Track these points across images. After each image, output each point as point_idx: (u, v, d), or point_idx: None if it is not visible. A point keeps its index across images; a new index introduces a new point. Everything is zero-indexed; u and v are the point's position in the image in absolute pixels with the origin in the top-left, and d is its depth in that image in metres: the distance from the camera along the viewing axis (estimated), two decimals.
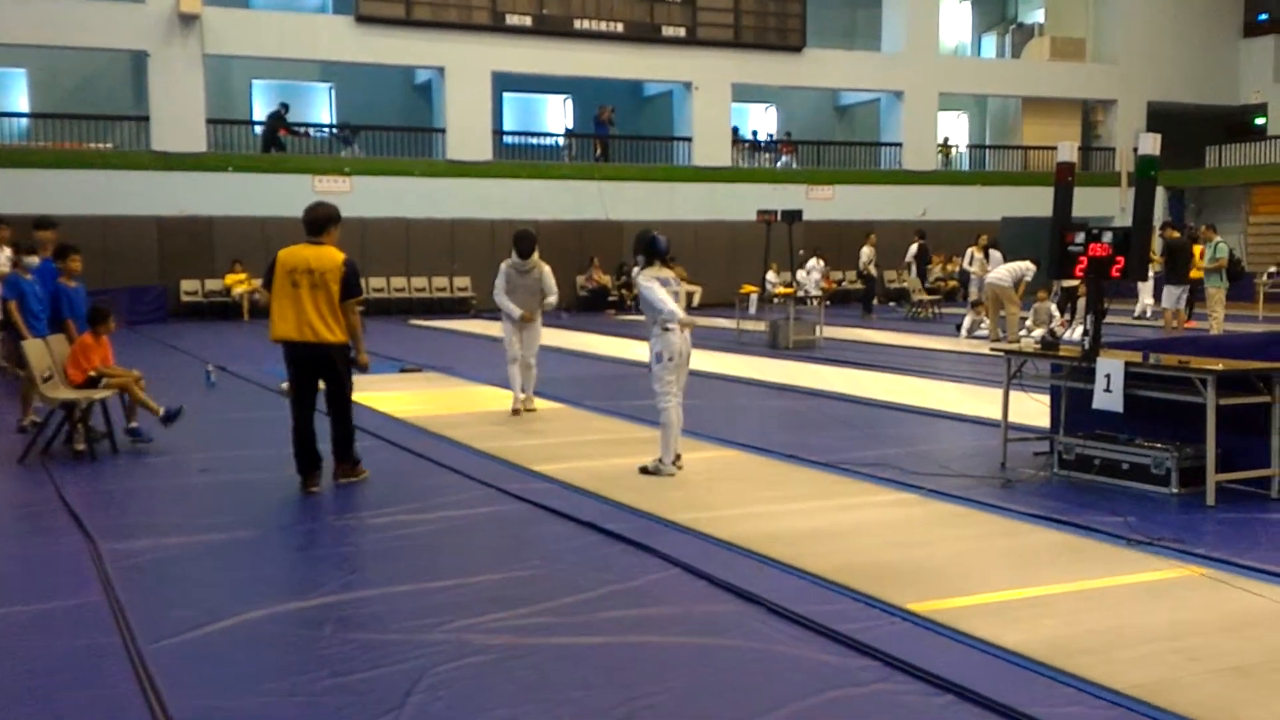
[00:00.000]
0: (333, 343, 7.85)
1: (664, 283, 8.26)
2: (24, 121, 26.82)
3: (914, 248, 26.13)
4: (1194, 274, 19.96)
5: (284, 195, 25.87)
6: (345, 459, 8.20)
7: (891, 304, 27.32)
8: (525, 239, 11.08)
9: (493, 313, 13.05)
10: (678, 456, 8.37)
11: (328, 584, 5.71)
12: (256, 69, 29.05)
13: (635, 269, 8.59)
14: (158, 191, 25.07)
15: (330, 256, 7.89)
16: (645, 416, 10.73)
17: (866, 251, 25.76)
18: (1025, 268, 18.09)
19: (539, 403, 11.47)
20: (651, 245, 8.35)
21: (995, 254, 22.26)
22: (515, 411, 11.10)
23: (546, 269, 11.13)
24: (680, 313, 8.20)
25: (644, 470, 8.27)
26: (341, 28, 27.22)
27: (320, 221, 8.03)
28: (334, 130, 29.44)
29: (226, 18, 26.23)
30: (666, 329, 8.15)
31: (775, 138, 33.88)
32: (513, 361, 11.12)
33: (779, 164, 32.97)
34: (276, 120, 27.77)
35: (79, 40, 25.31)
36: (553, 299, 11.18)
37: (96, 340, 9.63)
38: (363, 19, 26.98)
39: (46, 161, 24.58)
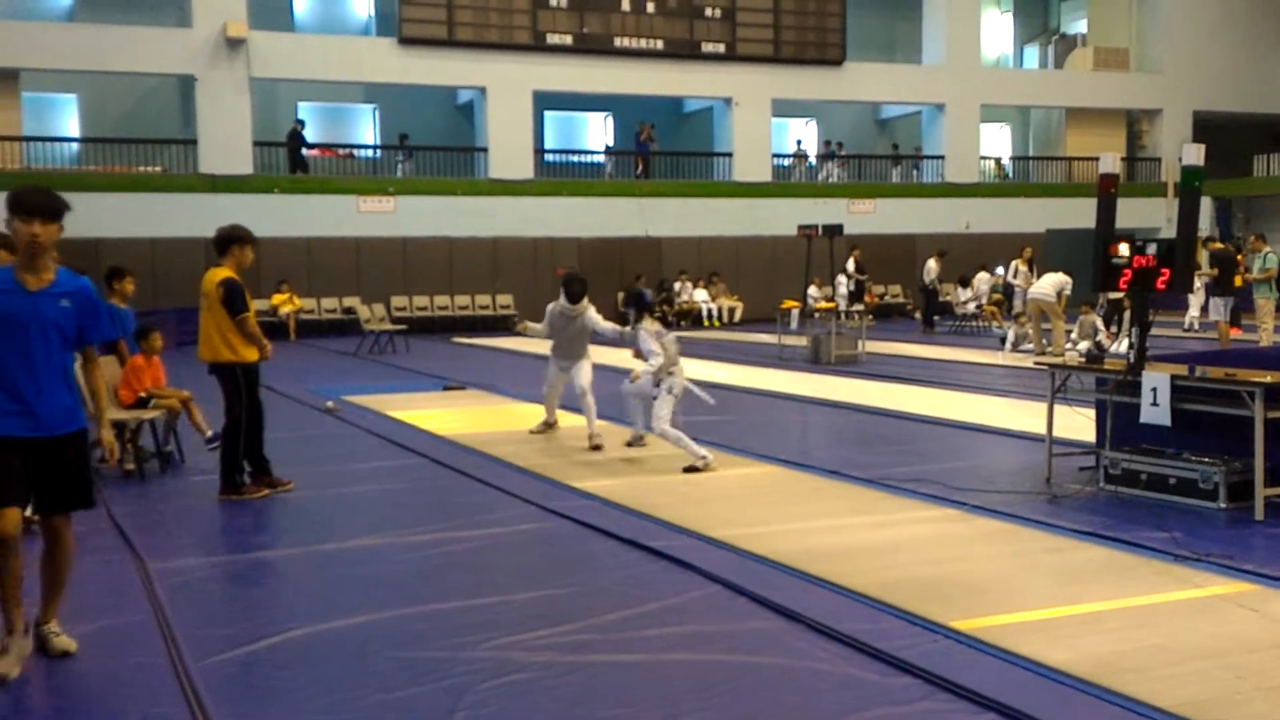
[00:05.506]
0: (218, 361, 8.18)
1: (657, 335, 9.31)
2: (75, 146, 27.37)
3: (849, 263, 26.06)
4: (1237, 282, 19.70)
5: (329, 216, 26.25)
6: (223, 479, 8.27)
7: (935, 318, 27.19)
8: (576, 283, 10.53)
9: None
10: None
11: (371, 601, 5.76)
12: (302, 91, 29.43)
13: (632, 322, 9.34)
14: (205, 213, 25.28)
15: (210, 279, 8.20)
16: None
17: (933, 266, 25.63)
18: (1065, 280, 17.99)
19: (570, 419, 11.28)
20: (639, 299, 9.35)
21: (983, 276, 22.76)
22: (534, 431, 11.05)
23: (591, 310, 10.65)
24: (639, 367, 9.42)
25: (690, 469, 9.04)
26: (385, 49, 27.53)
27: (219, 242, 8.45)
28: (378, 150, 29.74)
29: (272, 41, 26.61)
30: (670, 373, 9.30)
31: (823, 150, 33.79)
32: (549, 395, 11.07)
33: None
34: (296, 139, 27.99)
35: (128, 66, 25.85)
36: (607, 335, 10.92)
37: (148, 361, 9.78)
38: (405, 40, 27.28)
39: (98, 185, 24.98)
